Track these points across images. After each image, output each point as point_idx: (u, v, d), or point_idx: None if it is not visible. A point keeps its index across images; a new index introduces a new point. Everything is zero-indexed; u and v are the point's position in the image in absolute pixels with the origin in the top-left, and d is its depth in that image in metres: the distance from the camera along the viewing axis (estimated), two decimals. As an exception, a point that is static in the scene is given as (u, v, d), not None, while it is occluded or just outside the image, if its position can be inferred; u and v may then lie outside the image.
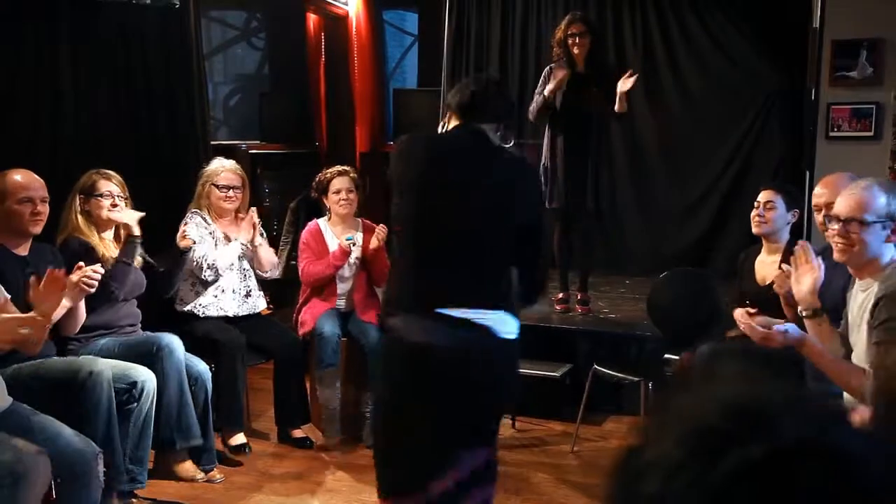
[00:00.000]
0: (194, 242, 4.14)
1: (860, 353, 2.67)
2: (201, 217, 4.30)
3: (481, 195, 2.60)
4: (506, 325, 2.59)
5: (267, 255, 4.43)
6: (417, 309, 2.57)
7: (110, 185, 3.81)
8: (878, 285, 2.59)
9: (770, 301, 3.63)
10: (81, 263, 3.34)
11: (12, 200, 3.38)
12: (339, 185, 4.49)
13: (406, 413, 2.62)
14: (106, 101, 5.07)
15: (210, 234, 4.29)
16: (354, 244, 4.43)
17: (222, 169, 4.34)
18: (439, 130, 6.33)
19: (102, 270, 3.39)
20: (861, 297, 2.68)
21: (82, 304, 3.51)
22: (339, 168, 4.56)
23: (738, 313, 3.13)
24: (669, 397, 0.72)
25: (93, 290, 3.36)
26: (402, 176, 2.68)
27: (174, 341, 3.77)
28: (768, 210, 3.73)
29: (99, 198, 3.78)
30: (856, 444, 0.64)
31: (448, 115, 2.80)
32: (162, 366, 3.69)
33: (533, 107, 5.07)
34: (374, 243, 4.42)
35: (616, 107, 4.87)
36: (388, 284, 2.84)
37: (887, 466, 0.64)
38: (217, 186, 4.30)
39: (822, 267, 2.76)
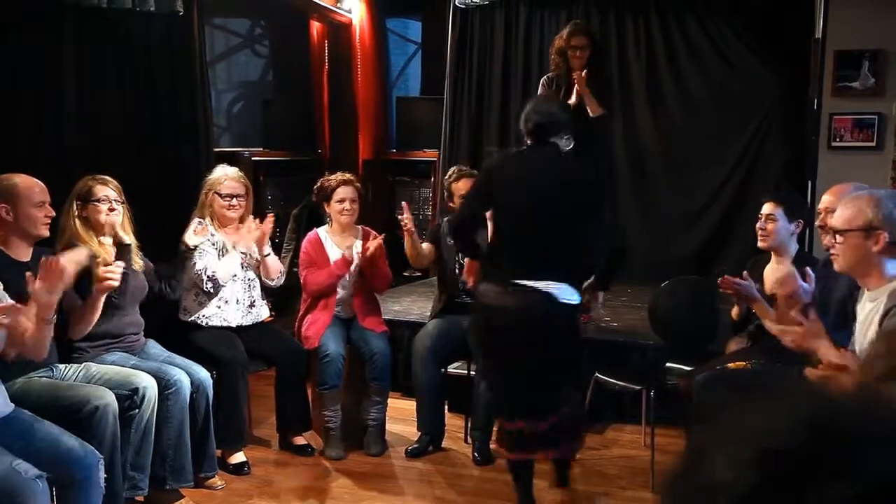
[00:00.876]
0: (195, 247, 4.12)
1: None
2: (205, 225, 4.27)
3: (553, 193, 3.44)
4: (566, 293, 3.39)
5: (274, 263, 4.41)
6: (497, 280, 3.44)
7: (107, 190, 3.78)
8: (888, 296, 2.59)
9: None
10: (100, 260, 3.35)
11: (28, 203, 3.39)
12: (343, 195, 4.47)
13: (486, 359, 3.78)
14: (109, 107, 5.08)
15: (213, 244, 4.26)
16: (359, 254, 4.41)
17: (225, 177, 4.29)
18: (443, 137, 6.45)
19: (123, 265, 3.40)
20: (869, 307, 2.68)
21: (100, 304, 3.51)
22: (343, 176, 4.53)
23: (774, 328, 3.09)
24: (728, 410, 0.65)
25: (116, 285, 3.40)
26: (495, 183, 3.55)
27: (183, 379, 3.72)
28: (769, 222, 3.71)
29: (96, 203, 3.76)
30: None
31: (527, 135, 3.58)
32: (167, 403, 3.66)
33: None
34: (369, 248, 4.38)
35: (590, 111, 4.88)
36: (484, 260, 3.65)
37: None
38: (220, 195, 4.26)
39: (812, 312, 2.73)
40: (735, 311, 3.88)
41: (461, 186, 4.49)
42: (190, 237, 4.10)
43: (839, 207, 2.74)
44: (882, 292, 2.64)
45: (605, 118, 5.03)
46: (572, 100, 4.90)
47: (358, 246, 4.44)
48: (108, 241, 3.81)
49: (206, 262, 4.18)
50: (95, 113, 5.01)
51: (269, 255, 4.34)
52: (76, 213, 3.74)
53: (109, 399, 3.33)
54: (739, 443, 0.60)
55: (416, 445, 4.41)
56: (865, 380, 1.17)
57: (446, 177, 4.71)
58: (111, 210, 3.77)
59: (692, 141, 6.43)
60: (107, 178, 3.83)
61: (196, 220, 4.21)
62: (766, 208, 3.74)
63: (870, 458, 0.56)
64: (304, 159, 6.98)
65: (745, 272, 3.59)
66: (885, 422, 0.60)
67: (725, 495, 0.57)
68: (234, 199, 4.28)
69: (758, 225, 3.76)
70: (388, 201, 7.50)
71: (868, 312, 2.67)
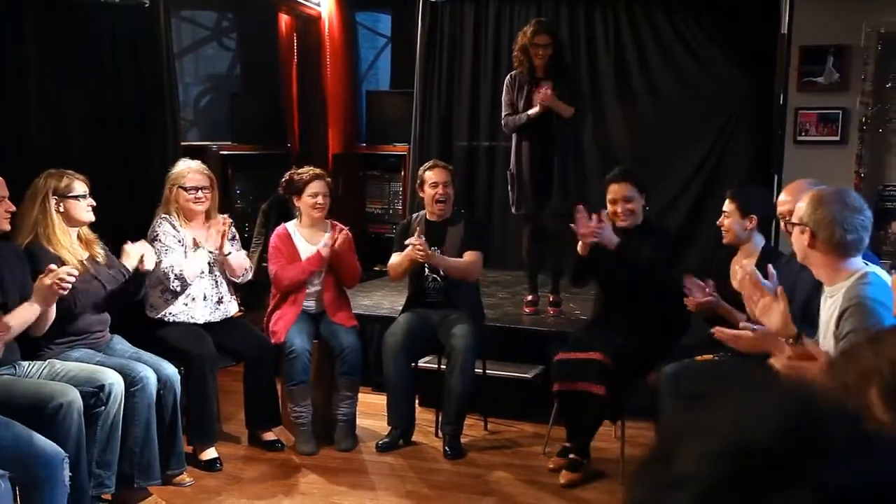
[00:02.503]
0: (151, 266, 3.94)
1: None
2: (170, 224, 4.19)
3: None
4: None
5: (238, 261, 4.34)
6: None
7: (84, 186, 3.74)
8: (843, 296, 2.61)
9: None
10: (53, 266, 3.26)
11: None
12: (317, 189, 4.43)
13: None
14: (73, 101, 4.98)
15: (179, 241, 4.19)
16: (328, 248, 4.37)
17: (188, 170, 4.22)
18: (413, 131, 6.43)
19: (76, 272, 3.32)
20: (829, 304, 2.70)
21: (53, 307, 3.43)
22: (314, 171, 4.49)
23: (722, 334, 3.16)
24: (702, 400, 0.63)
25: (66, 292, 3.29)
26: None
27: (150, 376, 3.67)
28: (725, 218, 3.75)
29: (77, 199, 3.70)
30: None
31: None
32: (133, 400, 3.60)
33: (510, 123, 5.15)
34: (338, 240, 4.35)
35: (563, 114, 4.97)
36: None
37: None
38: (185, 189, 4.19)
39: (780, 288, 2.74)
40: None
41: (432, 176, 4.50)
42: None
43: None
44: (837, 290, 2.66)
45: (576, 115, 5.09)
46: (534, 110, 4.93)
47: (327, 238, 4.39)
48: (74, 238, 3.74)
49: (172, 260, 4.11)
50: (59, 106, 4.90)
51: (230, 253, 4.28)
52: (54, 210, 3.65)
53: (73, 396, 3.27)
54: (710, 435, 0.58)
55: (386, 440, 4.40)
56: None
57: (423, 166, 4.69)
58: (90, 206, 3.73)
59: (661, 135, 6.46)
60: (74, 172, 3.75)
61: (167, 223, 4.14)
62: (725, 204, 3.78)
63: (842, 467, 0.54)
64: (274, 153, 6.93)
65: (706, 286, 3.63)
66: (859, 432, 0.58)
67: (690, 487, 0.56)
68: (199, 191, 4.21)
69: (719, 221, 3.79)
70: (358, 195, 7.47)
71: (828, 310, 2.70)
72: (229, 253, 4.27)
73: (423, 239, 4.32)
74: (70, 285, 3.27)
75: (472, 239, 4.49)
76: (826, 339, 2.69)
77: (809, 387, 0.63)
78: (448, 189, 4.49)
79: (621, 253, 3.93)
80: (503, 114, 5.22)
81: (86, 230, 3.80)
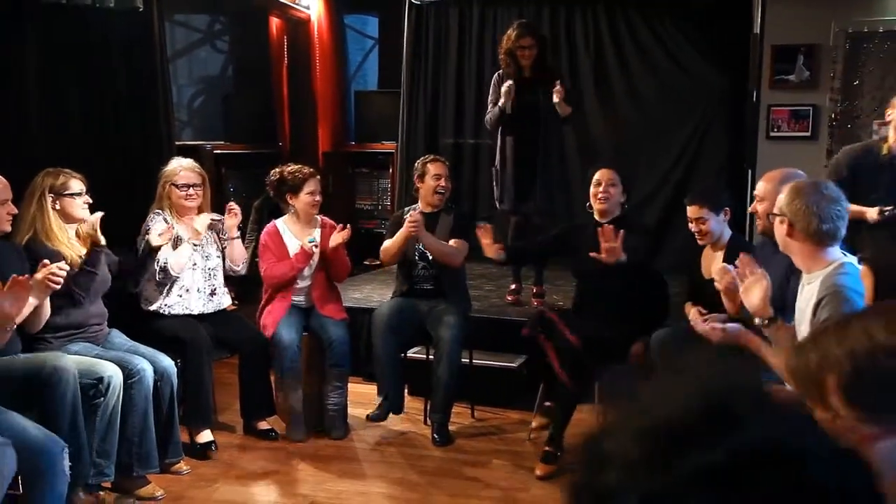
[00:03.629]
0: (167, 242, 4.05)
1: None
2: (163, 218, 4.19)
3: None
4: None
5: (240, 248, 4.40)
6: None
7: (81, 184, 3.74)
8: (820, 284, 2.63)
9: (716, 293, 3.69)
10: (46, 262, 3.26)
11: None
12: (313, 187, 4.43)
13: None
14: (70, 103, 4.97)
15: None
16: (317, 246, 4.39)
17: (181, 168, 4.22)
18: (400, 130, 6.42)
19: (67, 268, 3.32)
20: (806, 291, 2.72)
21: (47, 302, 3.42)
22: (308, 169, 4.49)
23: (691, 312, 3.22)
24: (634, 385, 0.68)
25: (58, 287, 3.28)
26: None
27: (147, 368, 3.67)
28: (701, 224, 3.75)
29: (73, 196, 3.70)
30: (820, 450, 0.62)
31: None
32: (130, 392, 3.60)
33: (489, 118, 5.17)
34: (336, 240, 4.39)
35: (560, 112, 5.00)
36: None
37: (845, 474, 0.62)
38: (177, 186, 4.18)
39: (762, 271, 2.78)
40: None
41: (433, 168, 4.53)
42: (154, 238, 4.02)
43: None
44: (815, 278, 2.68)
45: (571, 115, 5.15)
46: (502, 101, 4.97)
47: (316, 235, 4.41)
48: (72, 234, 3.74)
49: (164, 251, 4.11)
50: (58, 109, 4.90)
51: (237, 237, 4.33)
52: (50, 207, 3.65)
53: (67, 362, 3.29)
54: (635, 417, 0.64)
55: (377, 411, 4.38)
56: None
57: (421, 159, 4.69)
58: (86, 203, 3.73)
59: (640, 133, 6.50)
60: (71, 171, 3.75)
61: (160, 218, 4.15)
62: (692, 212, 3.76)
63: (751, 429, 0.61)
64: (265, 152, 6.91)
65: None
66: (762, 404, 0.65)
67: (614, 463, 0.62)
68: (191, 188, 4.21)
69: (692, 228, 3.79)
70: (348, 192, 7.47)
71: (806, 297, 2.72)
72: (237, 236, 4.32)
73: (421, 215, 4.37)
74: (62, 280, 3.25)
75: (460, 229, 4.53)
76: (803, 325, 2.71)
77: (725, 367, 0.69)
78: (448, 182, 4.54)
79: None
80: (487, 112, 5.24)
81: (85, 226, 3.80)
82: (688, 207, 3.80)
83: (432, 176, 4.52)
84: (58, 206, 3.68)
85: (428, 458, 4.17)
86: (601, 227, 3.92)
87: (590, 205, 4.16)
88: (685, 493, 0.59)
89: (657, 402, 0.65)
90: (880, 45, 5.41)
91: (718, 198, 3.79)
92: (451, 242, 4.48)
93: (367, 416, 4.39)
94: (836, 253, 2.69)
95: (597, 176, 4.13)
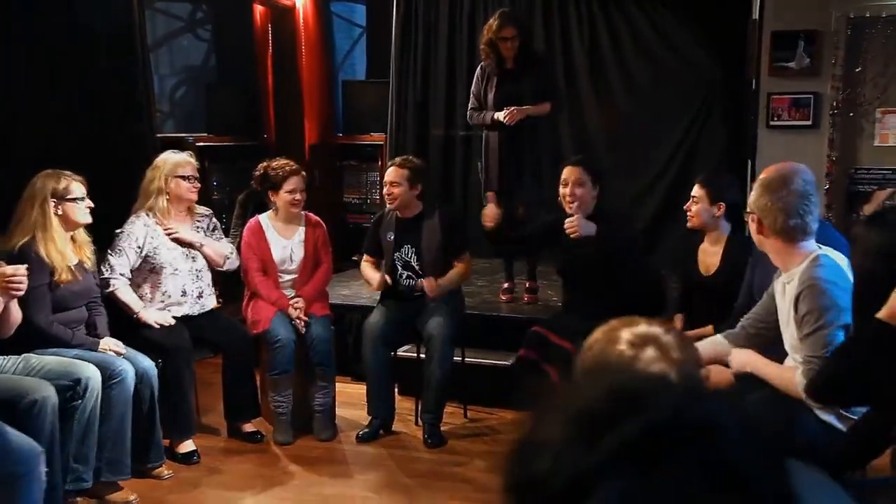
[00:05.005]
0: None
1: (791, 344, 2.72)
2: (143, 225, 4.15)
3: None
4: None
5: (216, 250, 4.34)
6: None
7: (82, 188, 3.73)
8: (797, 279, 2.64)
9: (714, 289, 3.67)
10: (2, 263, 3.19)
11: None
12: (293, 186, 4.39)
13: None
14: (49, 95, 4.91)
15: (138, 248, 4.14)
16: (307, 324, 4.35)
17: (186, 161, 4.23)
18: (389, 121, 6.42)
19: (24, 269, 3.17)
20: (787, 290, 2.72)
21: (14, 307, 3.30)
22: (291, 165, 4.45)
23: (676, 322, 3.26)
24: (560, 385, 0.80)
25: (21, 293, 3.18)
26: None
27: (128, 369, 3.64)
28: (694, 204, 3.75)
29: (76, 201, 3.68)
30: (720, 413, 0.72)
31: None
32: (110, 394, 3.56)
33: (475, 120, 5.18)
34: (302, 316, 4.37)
35: (542, 114, 4.99)
36: None
37: (743, 431, 0.72)
38: (184, 178, 4.19)
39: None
40: None
41: (386, 175, 4.48)
42: (148, 318, 4.07)
43: None
44: (793, 275, 2.68)
45: (554, 109, 5.11)
46: (498, 115, 4.93)
47: (301, 233, 4.43)
48: (69, 238, 3.71)
49: (141, 309, 4.12)
50: (35, 100, 4.83)
51: (203, 245, 4.28)
52: (53, 213, 3.62)
53: (48, 392, 3.23)
54: (561, 410, 0.75)
55: (366, 430, 4.38)
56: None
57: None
58: (88, 207, 3.73)
59: (636, 123, 6.45)
60: (71, 173, 3.73)
61: (140, 223, 4.13)
62: (694, 190, 3.77)
63: (657, 404, 0.71)
64: (250, 144, 6.86)
65: None
66: (675, 381, 0.84)
67: (544, 450, 0.71)
68: (196, 180, 4.25)
69: (686, 205, 3.79)
70: (335, 185, 7.43)
71: (787, 296, 2.72)
72: (201, 245, 4.27)
73: (429, 280, 4.33)
74: (24, 286, 3.15)
75: (455, 243, 4.45)
76: (788, 326, 2.72)
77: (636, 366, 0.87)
78: (395, 188, 4.39)
79: (580, 241, 3.89)
80: (469, 106, 5.22)
81: (81, 232, 3.78)
82: (695, 185, 3.80)
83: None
84: (60, 212, 3.65)
85: (419, 461, 4.15)
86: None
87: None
88: (607, 469, 0.67)
89: (580, 393, 0.77)
90: (883, 31, 5.38)
91: (721, 189, 3.76)
92: (456, 265, 4.43)
93: (357, 435, 4.36)
94: (810, 246, 2.71)
95: (563, 175, 4.03)
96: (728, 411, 0.73)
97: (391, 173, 4.44)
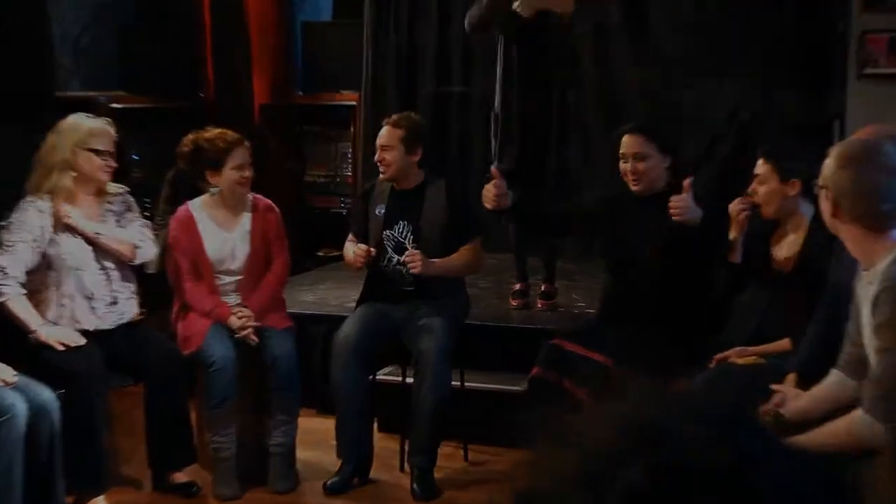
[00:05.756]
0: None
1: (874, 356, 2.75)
2: (37, 210, 4.13)
3: None
4: None
5: (115, 241, 4.30)
6: None
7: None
8: (880, 278, 2.64)
9: (794, 290, 3.65)
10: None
11: None
12: (241, 160, 4.42)
13: None
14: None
15: (34, 240, 4.12)
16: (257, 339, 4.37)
17: (100, 129, 4.24)
18: (364, 75, 6.28)
19: None
20: (869, 293, 2.72)
21: None
22: (230, 134, 4.48)
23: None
24: (565, 420, 0.84)
25: None
26: None
27: (17, 404, 3.63)
28: (759, 185, 3.71)
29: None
30: (757, 454, 0.76)
31: None
32: None
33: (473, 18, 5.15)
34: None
35: (560, 12, 4.97)
36: None
37: (787, 476, 0.76)
38: (95, 152, 4.19)
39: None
40: None
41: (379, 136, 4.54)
42: (47, 336, 4.04)
43: None
44: (874, 274, 2.67)
45: (576, 14, 5.09)
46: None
47: (246, 220, 4.46)
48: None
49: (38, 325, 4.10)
50: None
51: (99, 235, 4.25)
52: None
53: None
54: (566, 451, 0.79)
55: (335, 478, 4.38)
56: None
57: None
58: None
59: (683, 77, 6.47)
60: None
61: (34, 209, 4.11)
62: (758, 167, 3.75)
63: (673, 440, 0.76)
64: (181, 106, 6.84)
65: None
66: (682, 427, 0.80)
67: (549, 499, 0.78)
68: (112, 157, 4.27)
69: (752, 187, 3.77)
70: (294, 159, 7.45)
71: (867, 298, 2.72)
72: (98, 233, 4.24)
73: (417, 250, 4.34)
74: None
75: (464, 223, 4.51)
76: (868, 337, 2.71)
77: (651, 399, 0.86)
78: (388, 153, 4.48)
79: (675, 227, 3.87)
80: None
81: None
82: (758, 161, 3.79)
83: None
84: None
85: (405, 519, 4.17)
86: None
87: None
88: None
89: (583, 433, 0.81)
90: None
91: (791, 162, 3.73)
92: (462, 250, 4.47)
93: (324, 485, 4.39)
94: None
95: (621, 148, 4.08)
96: (771, 452, 0.76)
97: (384, 135, 4.52)
